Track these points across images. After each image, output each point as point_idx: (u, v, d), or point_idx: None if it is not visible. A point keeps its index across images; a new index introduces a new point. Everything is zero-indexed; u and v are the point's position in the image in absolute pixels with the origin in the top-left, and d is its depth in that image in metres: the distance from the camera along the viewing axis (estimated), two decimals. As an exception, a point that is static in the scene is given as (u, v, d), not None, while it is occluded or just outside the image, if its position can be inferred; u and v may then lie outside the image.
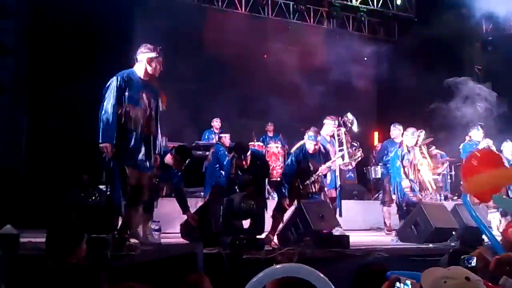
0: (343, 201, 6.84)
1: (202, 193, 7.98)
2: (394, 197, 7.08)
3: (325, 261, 4.55)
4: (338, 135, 6.79)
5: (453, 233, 6.04)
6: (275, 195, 7.30)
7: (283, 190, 6.11)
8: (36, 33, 7.37)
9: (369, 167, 9.95)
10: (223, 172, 6.59)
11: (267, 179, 7.53)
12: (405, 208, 6.81)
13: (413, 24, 11.99)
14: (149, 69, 4.61)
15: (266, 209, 5.90)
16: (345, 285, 2.58)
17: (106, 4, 7.16)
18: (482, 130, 8.07)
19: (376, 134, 11.78)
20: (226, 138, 8.59)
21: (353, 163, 7.38)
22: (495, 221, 7.18)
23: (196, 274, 2.77)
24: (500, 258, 2.37)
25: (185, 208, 5.60)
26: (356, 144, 7.81)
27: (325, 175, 6.36)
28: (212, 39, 9.98)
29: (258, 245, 4.76)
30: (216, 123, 9.72)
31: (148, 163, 4.63)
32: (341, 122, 7.03)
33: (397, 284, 1.87)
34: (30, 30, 7.37)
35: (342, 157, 6.74)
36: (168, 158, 5.41)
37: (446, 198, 9.84)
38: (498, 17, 10.17)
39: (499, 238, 3.71)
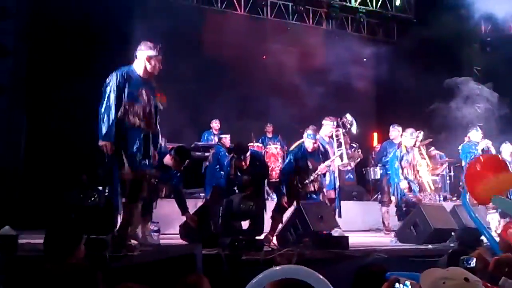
0: (342, 202, 6.84)
1: (201, 194, 7.98)
2: (393, 198, 7.09)
3: (324, 262, 4.54)
4: (337, 136, 6.78)
5: (452, 234, 6.04)
6: (274, 196, 7.30)
7: (282, 188, 6.11)
8: (36, 34, 7.38)
9: (368, 168, 9.96)
10: (224, 173, 6.58)
11: (266, 180, 7.53)
12: (404, 209, 6.81)
13: (412, 25, 12.01)
14: (149, 67, 4.60)
15: (265, 210, 5.89)
16: (344, 286, 2.58)
17: (106, 5, 7.17)
18: (481, 130, 8.08)
19: (375, 135, 11.78)
20: (227, 139, 8.59)
21: (352, 164, 7.37)
22: (494, 222, 7.18)
23: (195, 275, 2.77)
24: (499, 259, 2.37)
25: (184, 209, 5.59)
26: (355, 145, 7.81)
27: (324, 175, 6.36)
28: (211, 40, 9.99)
29: (257, 246, 4.75)
30: (215, 124, 9.72)
31: (147, 161, 4.62)
32: (340, 123, 7.03)
33: (397, 285, 1.87)
34: (29, 30, 7.37)
35: (341, 157, 6.73)
36: (167, 159, 5.41)
37: (445, 199, 9.85)
38: (497, 18, 10.18)
39: (498, 239, 3.70)
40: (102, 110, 4.44)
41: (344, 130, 6.93)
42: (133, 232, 4.82)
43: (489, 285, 2.04)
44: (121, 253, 4.21)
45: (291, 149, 6.63)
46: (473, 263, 2.22)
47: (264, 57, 11.38)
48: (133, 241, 4.66)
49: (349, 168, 7.85)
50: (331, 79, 10.40)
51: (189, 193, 7.48)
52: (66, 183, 5.79)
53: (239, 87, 10.35)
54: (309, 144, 6.17)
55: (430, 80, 9.56)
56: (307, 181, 6.11)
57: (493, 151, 8.01)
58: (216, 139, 9.42)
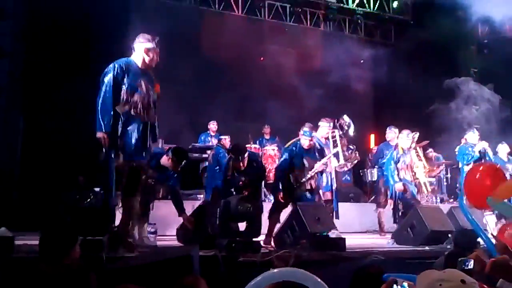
0: (339, 204, 6.84)
1: (199, 196, 7.97)
2: (390, 201, 7.10)
3: (321, 263, 4.55)
4: (333, 137, 6.79)
5: (449, 235, 6.05)
6: (272, 198, 7.30)
7: (278, 185, 6.11)
8: (33, 35, 7.36)
9: (365, 169, 9.97)
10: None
11: (263, 181, 7.53)
12: (402, 211, 6.82)
13: (409, 27, 12.05)
14: (147, 59, 4.62)
15: (262, 212, 5.89)
16: (341, 288, 2.59)
17: (103, 6, 7.16)
18: (478, 132, 8.09)
19: (372, 136, 11.79)
20: (226, 140, 8.59)
21: (349, 165, 7.38)
22: (490, 224, 7.19)
23: (192, 277, 2.77)
24: (496, 260, 2.37)
25: (181, 210, 5.59)
26: (352, 147, 7.82)
27: (321, 173, 6.35)
28: (209, 41, 9.99)
29: (254, 247, 4.75)
30: (213, 125, 9.72)
31: (144, 153, 4.62)
32: (337, 124, 7.03)
33: (394, 286, 1.87)
34: (26, 32, 7.36)
35: (337, 158, 6.73)
36: (164, 160, 5.41)
37: (442, 200, 9.87)
38: (494, 20, 10.22)
39: (494, 241, 3.71)
40: (100, 101, 4.44)
41: (341, 132, 6.93)
42: (132, 231, 4.81)
43: (486, 287, 2.04)
44: (120, 250, 4.21)
45: (286, 146, 6.61)
46: (471, 265, 2.22)
47: (262, 58, 11.39)
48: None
49: (345, 169, 7.86)
50: (328, 81, 10.42)
51: (186, 195, 7.48)
52: (63, 184, 5.78)
53: (236, 89, 10.36)
54: (305, 141, 6.17)
55: (428, 82, 9.59)
56: (304, 179, 6.11)
57: (490, 153, 8.03)
58: (213, 140, 9.42)
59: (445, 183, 10.41)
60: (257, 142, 9.82)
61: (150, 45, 4.61)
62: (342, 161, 6.82)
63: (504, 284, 2.29)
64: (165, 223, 6.13)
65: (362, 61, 11.95)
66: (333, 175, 6.78)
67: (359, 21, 12.14)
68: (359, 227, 8.43)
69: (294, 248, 4.86)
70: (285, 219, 5.82)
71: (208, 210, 5.63)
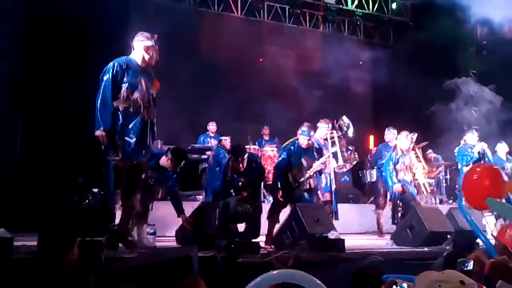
0: (338, 205, 6.84)
1: (198, 197, 7.97)
2: (389, 202, 7.11)
3: (320, 264, 4.54)
4: (331, 138, 6.79)
5: (448, 236, 6.05)
6: (271, 199, 7.30)
7: (277, 183, 6.11)
8: (32, 36, 7.36)
9: (364, 170, 9.97)
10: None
11: (262, 182, 7.53)
12: (401, 212, 6.83)
13: (408, 28, 12.05)
14: (146, 57, 4.64)
15: (261, 213, 5.89)
16: (341, 289, 2.59)
17: (103, 7, 7.16)
18: (478, 133, 8.10)
19: (371, 137, 11.81)
20: (227, 141, 8.59)
21: (348, 166, 7.38)
22: (490, 225, 7.19)
23: (191, 278, 2.77)
24: (495, 261, 2.37)
25: (180, 211, 5.59)
26: (351, 148, 7.81)
27: (320, 173, 6.35)
28: (208, 42, 10.00)
29: (253, 248, 4.75)
30: (212, 126, 9.72)
31: (144, 151, 4.63)
32: (337, 125, 7.03)
33: (394, 287, 1.87)
34: (26, 32, 7.36)
35: (336, 159, 6.74)
36: (164, 160, 5.41)
37: (441, 201, 9.88)
38: (493, 21, 10.23)
39: (493, 242, 3.72)
40: (99, 99, 4.45)
41: (340, 133, 6.94)
42: (131, 230, 4.81)
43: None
44: (120, 248, 4.20)
45: (284, 145, 6.62)
46: (470, 265, 2.22)
47: (261, 59, 11.39)
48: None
49: (344, 170, 7.87)
50: (327, 82, 10.43)
51: (186, 196, 7.47)
52: (62, 185, 5.77)
53: (236, 90, 10.36)
54: (303, 140, 6.18)
55: (427, 83, 9.60)
56: (302, 179, 6.11)
57: (489, 154, 8.04)
58: (213, 141, 9.42)
59: (444, 184, 10.42)
60: (256, 143, 9.82)
61: (150, 43, 4.62)
62: (341, 162, 6.82)
63: (503, 285, 2.30)
64: (164, 224, 6.12)
65: (361, 62, 11.96)
66: (332, 176, 6.79)
67: (358, 22, 12.14)
68: (359, 228, 8.43)
69: (293, 249, 4.85)
70: (284, 220, 5.82)
71: (207, 211, 5.62)
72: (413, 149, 7.12)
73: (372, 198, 9.18)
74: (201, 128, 9.83)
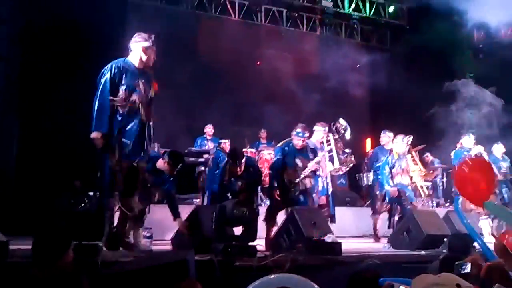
0: (335, 208, 6.84)
1: (195, 200, 7.95)
2: (386, 206, 7.11)
3: (317, 268, 4.54)
4: (328, 141, 6.80)
5: (445, 239, 6.06)
6: (268, 202, 7.29)
7: (273, 183, 6.11)
8: (29, 39, 7.34)
9: (361, 173, 9.96)
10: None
11: (259, 186, 7.52)
12: (398, 216, 6.83)
13: (405, 32, 12.10)
14: (144, 58, 4.63)
15: (258, 216, 5.88)
16: (337, 292, 2.58)
17: (100, 11, 7.16)
18: (474, 137, 8.12)
19: (368, 140, 11.81)
20: (226, 144, 8.58)
21: (344, 169, 7.38)
22: (486, 228, 7.20)
23: (188, 281, 2.76)
24: (491, 264, 2.38)
25: (176, 214, 5.56)
26: (348, 151, 7.82)
27: (315, 173, 6.34)
28: (205, 45, 10.01)
29: (250, 252, 4.74)
30: (209, 129, 9.71)
31: (142, 153, 4.62)
32: (334, 128, 7.04)
33: (390, 290, 1.87)
34: (23, 35, 7.34)
35: (332, 162, 6.74)
36: (160, 163, 5.39)
37: (438, 205, 9.89)
38: (489, 25, 10.28)
39: (490, 245, 3.72)
40: (96, 101, 4.44)
41: (337, 136, 6.94)
42: (128, 233, 4.80)
43: (481, 291, 2.05)
44: (119, 249, 4.19)
45: (278, 145, 6.63)
46: (467, 268, 2.23)
47: (258, 63, 11.41)
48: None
49: (340, 173, 7.87)
50: (325, 85, 10.44)
51: (182, 199, 7.45)
52: (58, 188, 5.75)
53: (233, 93, 10.37)
54: (297, 141, 6.19)
55: (424, 86, 9.61)
56: (297, 179, 6.11)
57: (486, 157, 8.05)
58: (210, 144, 9.41)
59: (441, 187, 10.42)
60: (253, 146, 9.82)
61: (147, 43, 4.62)
62: (337, 164, 6.83)
63: (500, 288, 2.29)
64: (160, 228, 6.10)
65: (358, 66, 11.99)
66: (329, 179, 6.79)
67: (355, 25, 12.20)
68: (356, 232, 8.42)
69: (290, 252, 4.85)
70: (281, 223, 5.82)
71: (203, 214, 5.61)
72: (409, 152, 7.13)
73: (369, 201, 9.18)
74: (198, 131, 9.82)
